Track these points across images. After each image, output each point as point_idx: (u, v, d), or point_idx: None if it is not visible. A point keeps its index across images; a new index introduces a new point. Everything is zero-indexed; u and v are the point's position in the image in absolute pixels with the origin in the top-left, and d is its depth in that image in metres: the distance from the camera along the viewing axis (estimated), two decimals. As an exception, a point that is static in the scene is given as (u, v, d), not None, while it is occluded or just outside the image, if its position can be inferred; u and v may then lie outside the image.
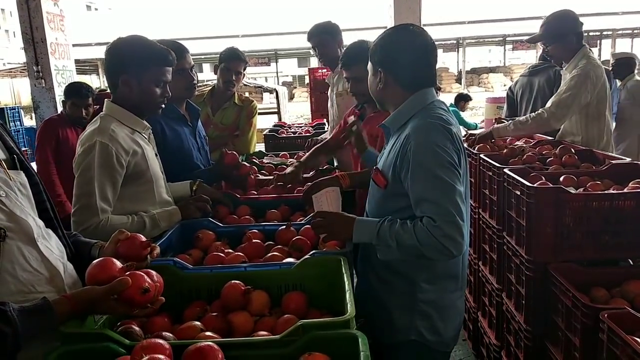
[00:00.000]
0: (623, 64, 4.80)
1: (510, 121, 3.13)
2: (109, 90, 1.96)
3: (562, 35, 2.98)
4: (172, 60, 1.88)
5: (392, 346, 1.71)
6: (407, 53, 1.63)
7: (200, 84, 6.28)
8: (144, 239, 1.33)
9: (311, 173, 2.67)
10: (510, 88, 4.55)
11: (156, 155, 2.02)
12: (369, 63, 1.73)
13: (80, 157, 1.75)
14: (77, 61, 6.63)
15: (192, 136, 2.50)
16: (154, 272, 1.15)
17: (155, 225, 1.84)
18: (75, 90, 3.79)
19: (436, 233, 1.44)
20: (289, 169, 2.56)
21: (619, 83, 4.96)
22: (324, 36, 3.23)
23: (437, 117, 1.57)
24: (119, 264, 1.13)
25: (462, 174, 1.55)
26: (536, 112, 2.96)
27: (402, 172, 1.56)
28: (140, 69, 1.80)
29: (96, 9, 40.28)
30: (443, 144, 1.51)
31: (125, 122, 1.86)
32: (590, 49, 3.06)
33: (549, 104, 2.95)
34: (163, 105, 1.93)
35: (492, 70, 25.19)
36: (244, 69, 3.28)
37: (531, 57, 25.95)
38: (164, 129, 2.33)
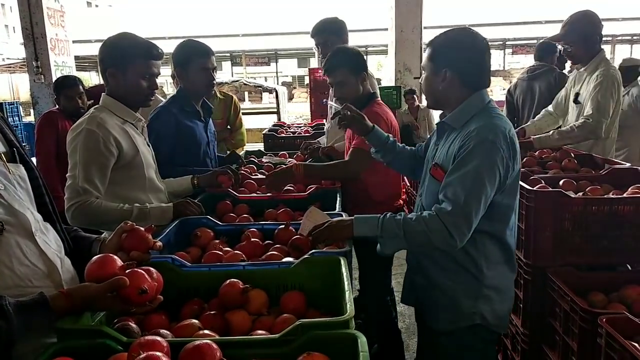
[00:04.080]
0: (629, 71, 4.75)
1: (552, 131, 3.06)
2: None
3: (587, 37, 2.95)
4: (158, 54, 1.97)
5: (453, 331, 1.74)
6: (473, 53, 1.71)
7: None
8: (149, 234, 1.32)
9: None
10: (509, 91, 4.47)
11: (148, 145, 2.12)
12: (428, 62, 1.76)
13: (69, 143, 1.89)
14: (76, 58, 6.63)
15: (203, 131, 2.62)
16: (154, 271, 1.14)
17: (142, 218, 1.87)
18: (63, 82, 3.76)
19: (446, 220, 1.53)
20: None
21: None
22: (329, 36, 3.10)
23: (501, 119, 1.66)
24: (119, 261, 1.12)
25: (503, 181, 1.61)
26: (581, 121, 2.88)
27: None
28: (126, 63, 1.91)
29: (96, 6, 40.25)
30: (500, 146, 1.57)
31: (116, 112, 1.97)
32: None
33: (588, 111, 2.86)
34: (152, 97, 2.04)
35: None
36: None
37: (530, 61, 25.92)
38: (178, 122, 2.46)
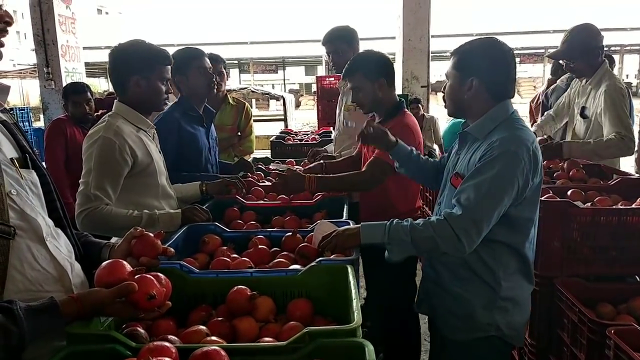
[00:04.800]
0: None
1: (586, 141, 2.88)
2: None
3: (588, 51, 2.88)
4: (171, 60, 2.06)
5: (468, 342, 1.72)
6: (500, 63, 1.69)
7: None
8: (158, 240, 1.32)
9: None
10: (546, 95, 4.26)
11: (160, 152, 2.14)
12: (453, 70, 1.74)
13: (85, 150, 1.91)
14: (86, 64, 6.70)
15: (205, 136, 2.63)
16: (162, 276, 1.15)
17: (151, 224, 1.89)
18: (72, 89, 3.80)
19: (455, 224, 1.52)
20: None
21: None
22: (340, 44, 3.07)
23: (525, 131, 1.64)
24: (128, 267, 1.13)
25: (521, 193, 1.58)
26: (613, 136, 2.72)
27: None
28: (148, 70, 1.96)
29: (107, 13, 40.62)
30: (522, 159, 1.56)
31: (131, 120, 2.00)
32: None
33: (615, 128, 2.72)
34: (167, 102, 2.10)
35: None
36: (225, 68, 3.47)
37: (538, 70, 25.96)
38: (181, 127, 2.47)
